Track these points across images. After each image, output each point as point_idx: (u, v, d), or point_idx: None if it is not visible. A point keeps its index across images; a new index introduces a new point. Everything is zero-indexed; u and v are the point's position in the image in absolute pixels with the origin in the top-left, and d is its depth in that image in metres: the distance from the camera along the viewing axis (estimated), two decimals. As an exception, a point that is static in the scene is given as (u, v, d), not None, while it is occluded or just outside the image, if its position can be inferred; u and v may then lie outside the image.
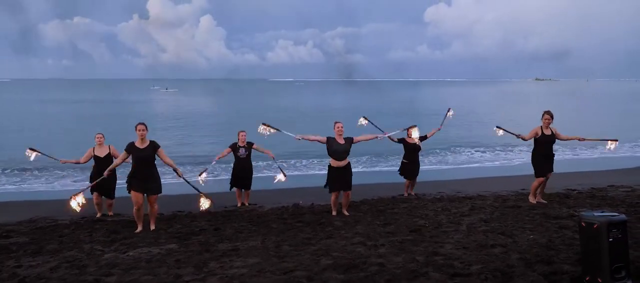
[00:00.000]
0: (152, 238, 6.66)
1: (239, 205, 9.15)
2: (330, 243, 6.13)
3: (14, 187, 12.98)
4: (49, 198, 11.19)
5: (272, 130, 7.91)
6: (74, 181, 13.60)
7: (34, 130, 26.56)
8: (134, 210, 7.16)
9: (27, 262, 5.67)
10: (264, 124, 7.92)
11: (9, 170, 14.91)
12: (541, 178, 8.35)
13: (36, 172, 14.58)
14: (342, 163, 7.73)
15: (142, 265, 5.41)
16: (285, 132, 7.86)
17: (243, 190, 9.30)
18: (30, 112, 41.37)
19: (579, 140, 8.54)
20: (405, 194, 9.76)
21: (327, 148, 7.69)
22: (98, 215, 8.35)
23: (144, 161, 6.95)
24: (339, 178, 7.74)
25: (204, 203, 7.30)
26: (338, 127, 7.66)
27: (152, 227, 7.23)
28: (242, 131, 9.16)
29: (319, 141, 7.73)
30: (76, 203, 6.71)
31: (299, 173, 14.80)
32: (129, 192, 7.06)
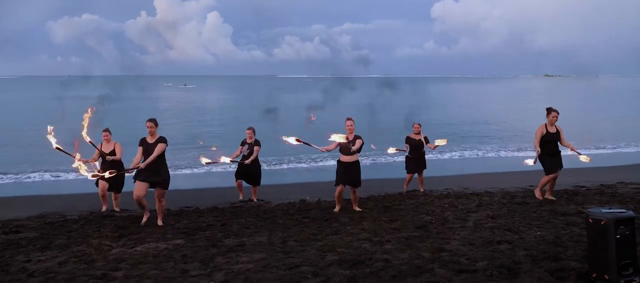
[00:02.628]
0: (159, 234, 6.70)
1: (240, 197, 9.19)
2: (336, 239, 6.13)
3: (23, 182, 13.14)
4: (58, 193, 11.32)
5: (298, 143, 7.77)
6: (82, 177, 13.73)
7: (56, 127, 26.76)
8: (134, 199, 7.22)
9: (36, 257, 5.73)
10: (297, 140, 7.79)
11: (19, 167, 15.08)
12: (552, 175, 8.28)
13: (45, 169, 14.75)
14: (351, 158, 7.75)
15: (149, 260, 5.46)
16: (313, 146, 7.71)
17: (251, 186, 9.34)
18: (45, 109, 41.68)
19: (571, 149, 8.30)
20: (405, 188, 9.79)
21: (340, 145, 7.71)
22: (103, 208, 8.41)
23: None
24: (346, 173, 7.75)
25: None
26: (349, 125, 7.69)
27: (160, 223, 7.28)
28: (248, 128, 9.24)
29: (338, 144, 7.67)
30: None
31: (306, 168, 14.83)
32: (134, 182, 7.16)
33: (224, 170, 14.74)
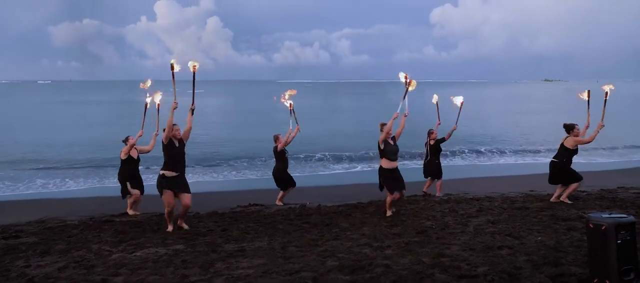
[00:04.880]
0: (159, 239, 6.69)
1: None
2: (337, 245, 6.12)
3: (24, 187, 13.12)
4: (58, 197, 11.32)
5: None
6: (85, 181, 13.74)
7: (69, 132, 26.83)
8: (166, 212, 7.18)
9: (36, 262, 5.72)
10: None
11: (20, 170, 15.08)
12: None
13: (46, 172, 14.77)
14: (396, 164, 7.83)
15: (149, 266, 5.45)
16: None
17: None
18: (61, 113, 41.74)
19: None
20: (425, 189, 9.96)
21: (384, 150, 7.69)
22: (136, 213, 8.46)
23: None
24: (398, 178, 7.80)
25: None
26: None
27: (186, 226, 7.28)
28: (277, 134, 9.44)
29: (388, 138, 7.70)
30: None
31: (306, 174, 14.81)
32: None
33: (224, 178, 14.75)
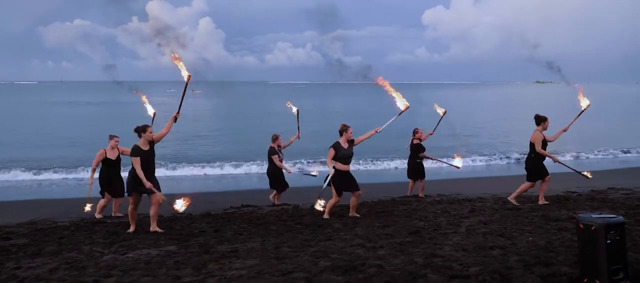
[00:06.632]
0: (151, 240, 6.66)
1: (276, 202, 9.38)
2: (330, 245, 6.13)
3: (15, 186, 13.02)
4: (49, 198, 11.24)
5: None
6: (76, 182, 13.65)
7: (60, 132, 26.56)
8: (131, 209, 7.22)
9: (27, 264, 5.68)
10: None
11: (9, 171, 14.96)
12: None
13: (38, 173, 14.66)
14: (349, 167, 7.75)
15: (141, 267, 5.42)
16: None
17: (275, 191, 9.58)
18: (53, 114, 41.37)
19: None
20: (408, 193, 9.97)
21: (335, 154, 7.62)
22: (99, 216, 8.33)
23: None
24: (346, 181, 7.70)
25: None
26: (350, 133, 7.66)
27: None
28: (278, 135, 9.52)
29: (332, 157, 7.59)
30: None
31: (299, 175, 14.80)
32: (130, 195, 7.13)
33: (217, 178, 14.69)
